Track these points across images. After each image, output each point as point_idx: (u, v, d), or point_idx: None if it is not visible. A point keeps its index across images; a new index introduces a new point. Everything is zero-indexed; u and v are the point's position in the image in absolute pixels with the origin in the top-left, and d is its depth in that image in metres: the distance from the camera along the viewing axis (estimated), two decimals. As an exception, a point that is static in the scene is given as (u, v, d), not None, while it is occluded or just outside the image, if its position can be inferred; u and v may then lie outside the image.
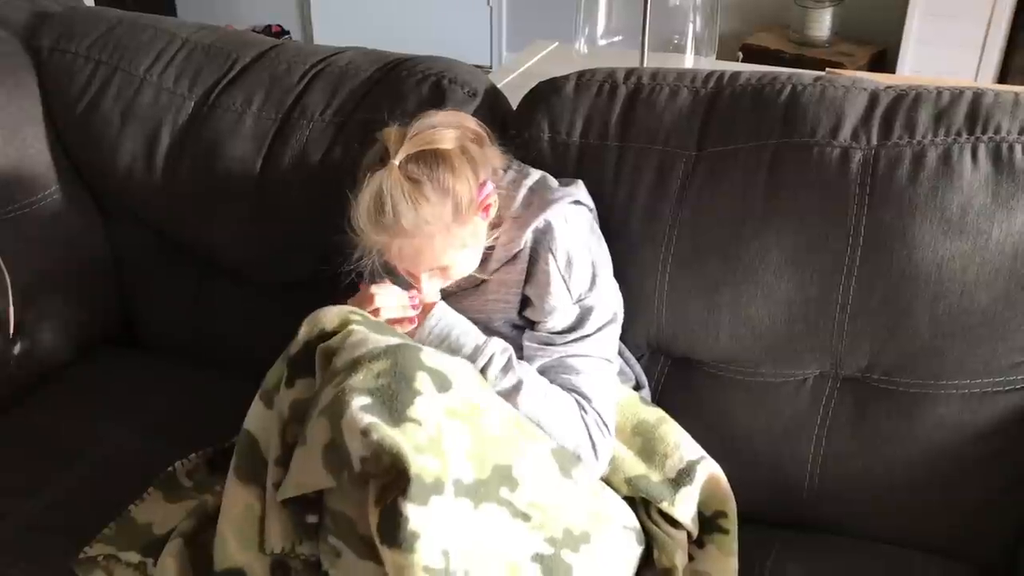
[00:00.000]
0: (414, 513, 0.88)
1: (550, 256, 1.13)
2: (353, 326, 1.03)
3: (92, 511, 1.25)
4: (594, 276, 1.16)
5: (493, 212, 1.15)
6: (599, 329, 1.16)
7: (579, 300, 1.15)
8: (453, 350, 1.11)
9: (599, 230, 1.23)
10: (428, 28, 4.06)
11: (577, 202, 1.20)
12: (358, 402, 0.92)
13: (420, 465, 0.89)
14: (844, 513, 1.24)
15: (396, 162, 1.04)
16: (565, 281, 1.14)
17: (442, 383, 0.97)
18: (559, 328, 1.15)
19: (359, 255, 1.13)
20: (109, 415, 1.44)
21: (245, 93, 1.51)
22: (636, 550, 1.12)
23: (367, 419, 0.90)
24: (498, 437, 1.00)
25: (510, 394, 1.09)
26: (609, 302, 1.18)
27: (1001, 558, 1.19)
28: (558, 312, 1.14)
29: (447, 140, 1.08)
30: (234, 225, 1.50)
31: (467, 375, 1.03)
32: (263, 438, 1.06)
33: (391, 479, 0.90)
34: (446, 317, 1.14)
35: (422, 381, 0.95)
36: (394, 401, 0.92)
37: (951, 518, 1.20)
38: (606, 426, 1.13)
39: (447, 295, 1.20)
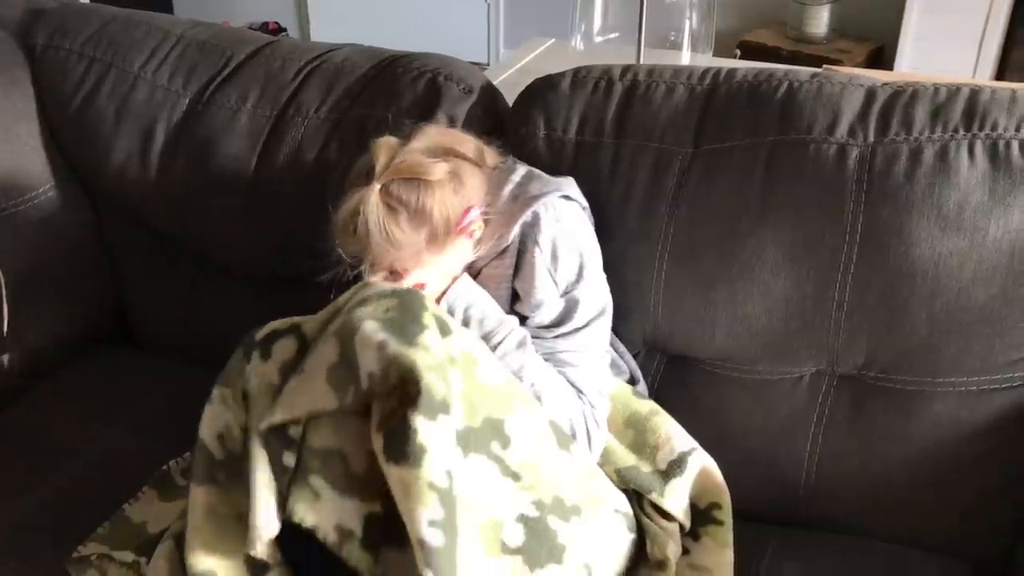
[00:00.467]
0: (423, 426, 0.89)
1: (536, 248, 1.13)
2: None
3: (85, 510, 1.25)
4: (581, 268, 1.16)
5: (477, 235, 1.14)
6: (588, 323, 1.16)
7: (566, 293, 1.15)
8: (475, 320, 1.12)
9: (590, 225, 1.23)
10: (426, 25, 4.05)
11: (566, 196, 1.19)
12: (369, 326, 0.93)
13: (431, 380, 0.90)
14: (840, 511, 1.23)
15: (378, 185, 1.05)
16: (551, 274, 1.14)
17: (443, 327, 0.98)
18: (547, 322, 1.15)
19: (336, 259, 1.13)
20: (103, 414, 1.44)
21: (240, 90, 1.50)
22: (627, 536, 1.11)
23: (382, 334, 0.92)
24: (491, 389, 1.00)
25: (520, 370, 1.10)
26: (598, 296, 1.18)
27: (998, 556, 1.19)
28: (545, 305, 1.14)
29: (436, 172, 1.07)
30: (228, 223, 1.50)
31: (460, 328, 1.04)
32: (220, 435, 1.05)
33: (397, 400, 0.90)
34: (468, 291, 1.14)
35: (428, 319, 0.97)
36: (404, 328, 0.94)
37: (948, 516, 1.20)
38: (597, 420, 1.14)
39: None
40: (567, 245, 1.15)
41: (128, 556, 1.19)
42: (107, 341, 1.66)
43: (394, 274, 1.11)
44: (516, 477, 1.00)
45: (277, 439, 0.98)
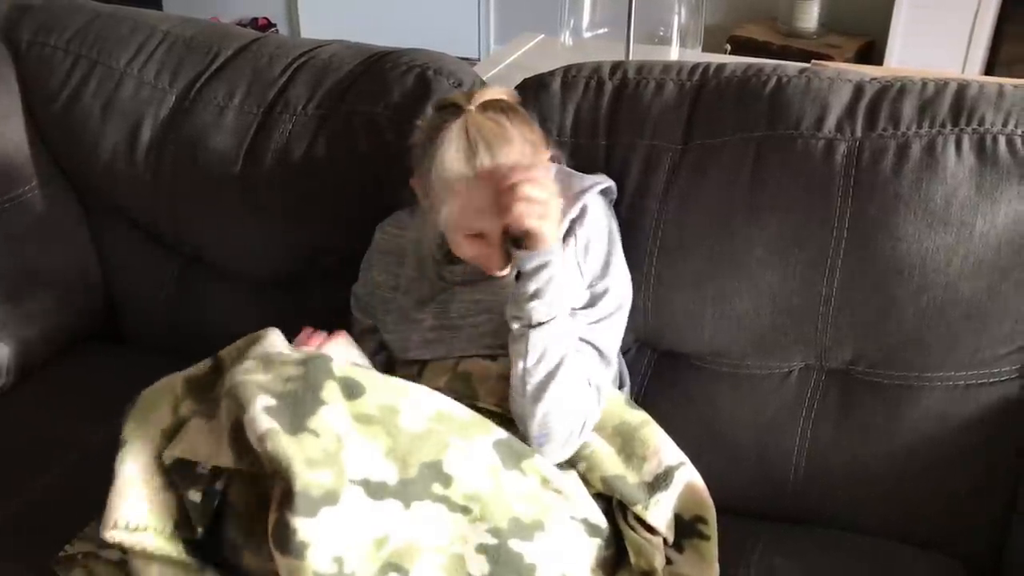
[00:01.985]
0: (302, 525, 0.90)
1: (572, 239, 1.15)
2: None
3: (73, 509, 1.23)
4: (607, 264, 1.17)
5: (552, 170, 1.16)
6: (608, 315, 1.16)
7: (591, 285, 1.16)
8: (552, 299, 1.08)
9: (615, 220, 1.24)
10: (416, 20, 4.04)
11: (605, 190, 1.22)
12: (262, 402, 0.94)
13: (308, 480, 0.90)
14: (830, 506, 1.23)
15: (473, 108, 1.07)
16: (580, 266, 1.15)
17: (352, 390, 0.99)
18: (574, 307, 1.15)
19: (439, 219, 1.10)
20: (91, 412, 1.42)
21: (227, 87, 1.49)
22: (589, 542, 1.10)
23: (266, 425, 0.92)
24: (419, 434, 1.00)
25: (562, 361, 1.07)
26: (618, 289, 1.18)
27: (987, 549, 1.19)
28: (571, 292, 1.14)
29: (508, 94, 1.13)
30: (216, 220, 1.49)
31: (381, 379, 1.04)
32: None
33: (280, 491, 0.91)
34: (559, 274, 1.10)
35: (330, 391, 0.97)
36: (298, 407, 0.95)
37: (936, 510, 1.20)
38: (594, 421, 1.13)
39: (461, 279, 1.20)
40: (598, 239, 1.17)
41: (115, 554, 1.18)
42: (96, 339, 1.65)
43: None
44: (466, 511, 1.01)
45: (180, 473, 1.03)
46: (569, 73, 1.36)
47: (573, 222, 1.16)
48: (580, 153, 1.31)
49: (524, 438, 1.09)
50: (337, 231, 1.42)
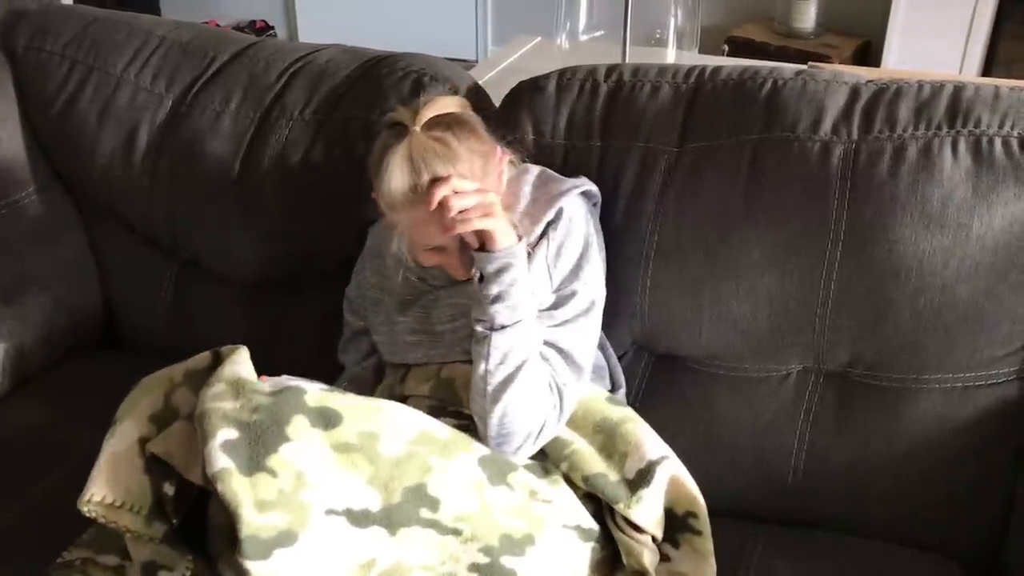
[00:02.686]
0: (254, 567, 0.91)
1: (545, 241, 1.14)
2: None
3: (71, 515, 1.23)
4: (579, 268, 1.16)
5: (504, 180, 1.16)
6: (574, 317, 1.14)
7: (558, 289, 1.15)
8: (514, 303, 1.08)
9: (597, 222, 1.23)
10: (414, 22, 4.04)
11: (584, 192, 1.21)
12: (223, 435, 0.94)
13: (257, 524, 0.91)
14: (828, 508, 1.23)
15: (417, 128, 1.06)
16: (548, 268, 1.14)
17: (329, 420, 0.99)
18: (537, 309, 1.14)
19: (396, 241, 1.12)
20: (89, 417, 1.41)
21: (223, 92, 1.49)
22: (583, 547, 1.10)
23: (221, 463, 0.93)
24: (400, 459, 1.00)
25: (524, 364, 1.07)
26: (589, 292, 1.16)
27: (984, 551, 1.19)
28: (536, 296, 1.13)
29: (455, 105, 1.13)
30: (213, 225, 1.49)
31: (360, 403, 1.03)
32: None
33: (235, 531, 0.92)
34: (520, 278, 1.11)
35: (297, 426, 0.97)
36: (259, 444, 0.95)
37: (934, 512, 1.20)
38: (561, 420, 1.12)
39: (442, 284, 1.20)
40: (571, 244, 1.16)
41: (112, 560, 1.18)
42: (93, 344, 1.65)
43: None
44: (456, 532, 1.01)
45: (159, 465, 1.04)
46: (564, 76, 1.36)
47: (548, 225, 1.15)
48: (574, 155, 1.31)
49: (483, 438, 1.09)
50: (333, 236, 1.42)
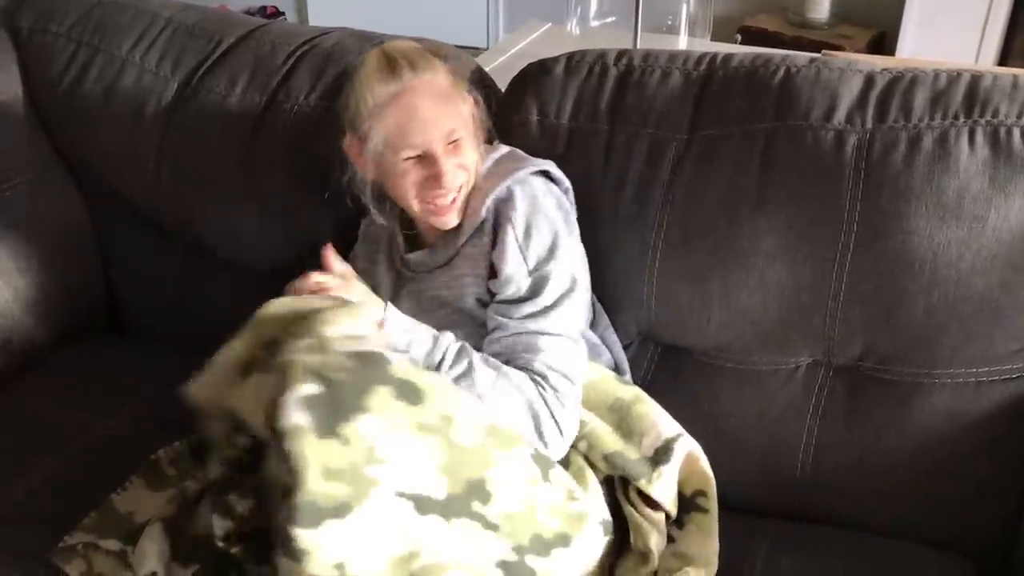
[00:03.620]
0: (302, 535, 0.87)
1: (509, 225, 1.12)
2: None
3: (73, 499, 1.23)
4: (554, 247, 1.13)
5: (473, 119, 1.16)
6: (557, 301, 1.12)
7: (535, 270, 1.13)
8: (408, 349, 1.09)
9: (567, 204, 1.21)
10: (424, 7, 4.02)
11: (542, 173, 1.19)
12: (304, 389, 0.89)
13: (317, 491, 0.87)
14: (837, 504, 1.22)
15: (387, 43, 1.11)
16: (522, 250, 1.12)
17: (412, 395, 0.95)
18: (514, 296, 1.12)
19: (368, 150, 1.11)
20: (92, 402, 1.42)
21: (229, 75, 1.48)
22: (604, 541, 1.10)
23: (295, 419, 0.88)
24: (470, 449, 0.97)
25: (460, 379, 1.07)
26: (568, 272, 1.15)
27: (995, 548, 1.17)
28: (513, 281, 1.12)
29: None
30: (218, 210, 1.48)
31: (438, 384, 1.01)
32: None
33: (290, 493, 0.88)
34: (399, 321, 1.11)
35: (378, 398, 0.92)
36: (337, 408, 0.90)
37: (945, 508, 1.18)
38: (562, 402, 1.10)
39: (419, 270, 1.19)
40: (540, 222, 1.13)
41: (114, 545, 1.18)
42: (97, 328, 1.65)
43: (452, 144, 1.11)
44: (496, 528, 0.99)
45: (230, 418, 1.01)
46: (573, 59, 1.34)
47: (502, 203, 1.14)
48: (580, 138, 1.29)
49: None
50: (338, 221, 1.41)
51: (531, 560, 1.01)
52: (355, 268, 1.28)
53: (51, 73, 1.56)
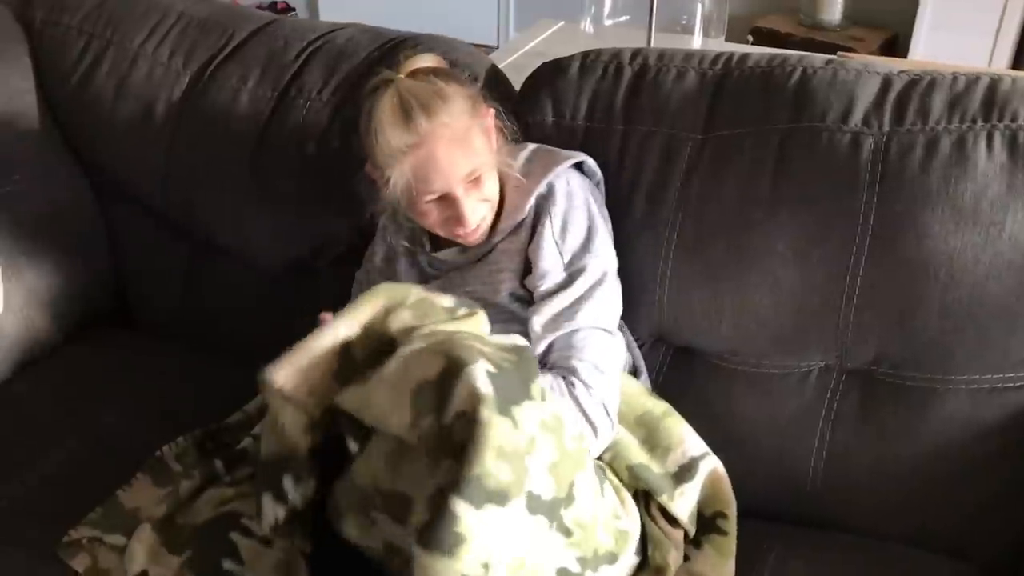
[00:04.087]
0: (466, 513, 0.81)
1: (548, 220, 1.13)
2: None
3: (79, 493, 1.23)
4: (588, 240, 1.14)
5: (494, 139, 1.14)
6: (588, 292, 1.12)
7: (570, 264, 1.13)
8: None
9: (600, 196, 1.21)
10: (435, 5, 4.01)
11: (578, 165, 1.19)
12: (485, 365, 0.85)
13: (487, 469, 0.82)
14: (848, 509, 1.21)
15: (403, 75, 1.07)
16: (558, 246, 1.13)
17: (542, 393, 0.92)
18: (550, 288, 1.12)
19: (383, 202, 1.11)
20: (98, 395, 1.42)
21: (241, 69, 1.48)
22: (635, 560, 1.10)
23: (488, 389, 0.83)
24: (573, 452, 0.94)
25: None
26: (600, 264, 1.14)
27: (1008, 558, 1.16)
28: (550, 275, 1.12)
29: (433, 60, 1.14)
30: (228, 205, 1.48)
31: (546, 386, 0.99)
32: None
33: (445, 473, 0.84)
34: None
35: (536, 388, 0.90)
36: (510, 389, 0.87)
37: (957, 516, 1.17)
38: (598, 396, 1.08)
39: (453, 267, 1.18)
40: (576, 217, 1.14)
41: (119, 540, 1.18)
42: (105, 321, 1.64)
43: (472, 183, 1.09)
44: (568, 533, 0.95)
45: (344, 419, 0.95)
46: (588, 58, 1.33)
47: (543, 199, 1.14)
48: (594, 137, 1.28)
49: None
50: (349, 218, 1.40)
51: (588, 574, 0.98)
52: (373, 264, 1.28)
53: (63, 66, 1.56)
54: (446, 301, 1.02)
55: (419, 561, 0.83)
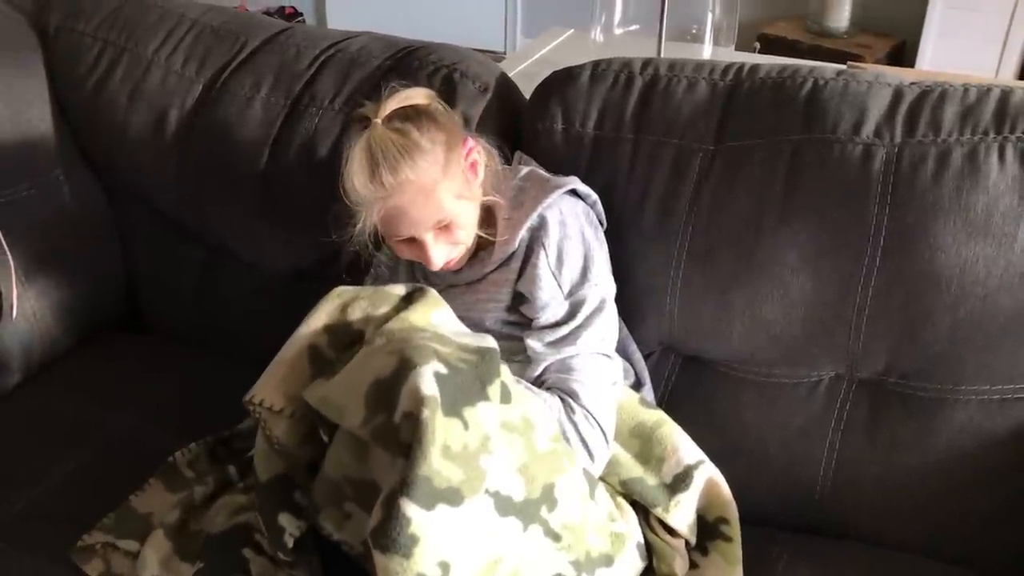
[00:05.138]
0: (416, 515, 0.85)
1: (542, 252, 1.12)
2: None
3: (92, 498, 1.24)
4: (586, 269, 1.13)
5: (481, 171, 1.13)
6: (588, 319, 1.12)
7: (570, 294, 1.13)
8: None
9: (595, 219, 1.21)
10: (442, 11, 4.02)
11: (571, 191, 1.18)
12: (435, 366, 0.89)
13: (434, 469, 0.85)
14: (856, 518, 1.21)
15: (379, 120, 1.05)
16: (556, 277, 1.12)
17: (505, 394, 0.95)
18: (552, 321, 1.12)
19: (358, 228, 1.10)
20: (111, 400, 1.43)
21: (254, 77, 1.48)
22: (641, 566, 1.10)
23: (432, 391, 0.86)
24: (546, 453, 0.97)
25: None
26: (599, 292, 1.14)
27: (1017, 568, 1.16)
28: (551, 307, 1.12)
29: (420, 97, 1.10)
30: (241, 211, 1.48)
31: (520, 387, 1.01)
32: None
33: (399, 474, 0.86)
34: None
35: (494, 389, 0.93)
36: (462, 391, 0.89)
37: (966, 527, 1.18)
38: (596, 420, 1.09)
39: (449, 284, 1.18)
40: (572, 247, 1.13)
41: (133, 545, 1.18)
42: (117, 326, 1.65)
43: (441, 229, 1.09)
44: (557, 538, 0.98)
45: (316, 412, 0.98)
46: (599, 67, 1.34)
47: (535, 230, 1.13)
48: (604, 146, 1.28)
49: None
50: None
51: None
52: (380, 271, 1.29)
53: (77, 73, 1.56)
54: (398, 288, 1.07)
55: (376, 561, 0.86)
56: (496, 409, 0.92)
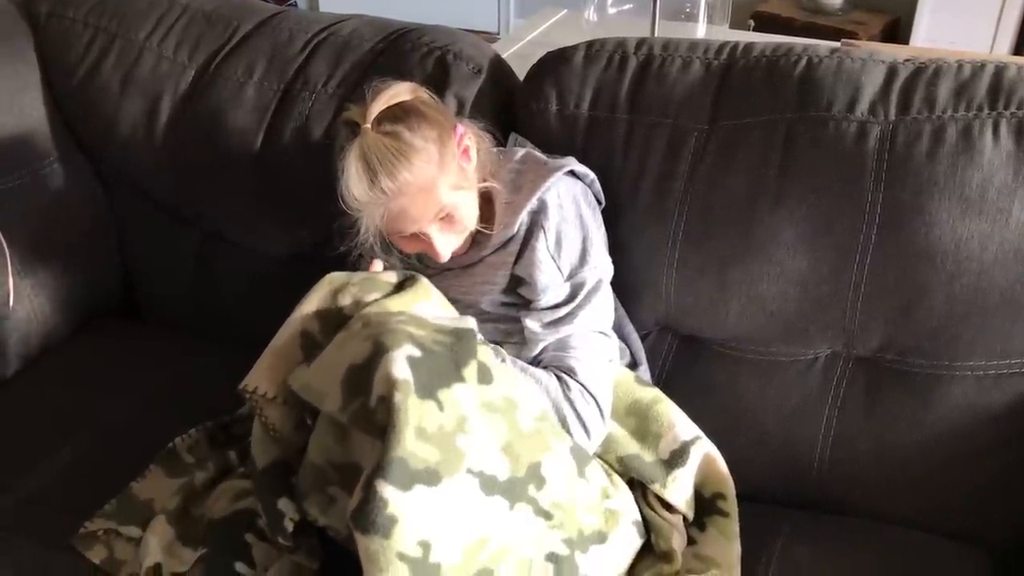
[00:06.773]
0: (393, 496, 0.85)
1: (541, 235, 1.12)
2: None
3: (92, 485, 1.24)
4: (584, 252, 1.14)
5: (473, 155, 1.13)
6: (586, 298, 1.13)
7: (570, 276, 1.13)
8: None
9: (593, 199, 1.21)
10: (435, -7, 3.99)
11: (570, 172, 1.18)
12: (408, 350, 0.90)
13: (409, 450, 0.87)
14: (854, 495, 1.22)
15: (368, 125, 1.04)
16: (555, 260, 1.13)
17: (484, 375, 0.96)
18: (552, 303, 1.13)
19: (362, 233, 1.10)
20: (109, 388, 1.43)
21: (246, 62, 1.48)
22: (638, 543, 1.11)
23: (404, 374, 0.88)
24: (531, 432, 0.98)
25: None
26: (596, 273, 1.15)
27: (1014, 541, 1.18)
28: (551, 289, 1.13)
29: (405, 92, 1.09)
30: (236, 197, 1.48)
31: (503, 367, 1.02)
32: None
33: (376, 459, 0.87)
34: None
35: (470, 370, 0.94)
36: (436, 373, 0.91)
37: (963, 501, 1.19)
38: (592, 396, 1.10)
39: (444, 268, 1.19)
40: (570, 230, 1.14)
41: (135, 531, 1.19)
42: (114, 314, 1.65)
43: (444, 220, 1.09)
44: (548, 516, 0.99)
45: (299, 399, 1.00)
46: (592, 47, 1.34)
47: (535, 213, 1.13)
48: (598, 127, 1.28)
49: None
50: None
51: (578, 557, 1.01)
52: (372, 255, 1.28)
53: (69, 59, 1.56)
54: (390, 275, 1.07)
55: (358, 542, 0.87)
56: (474, 390, 0.93)
